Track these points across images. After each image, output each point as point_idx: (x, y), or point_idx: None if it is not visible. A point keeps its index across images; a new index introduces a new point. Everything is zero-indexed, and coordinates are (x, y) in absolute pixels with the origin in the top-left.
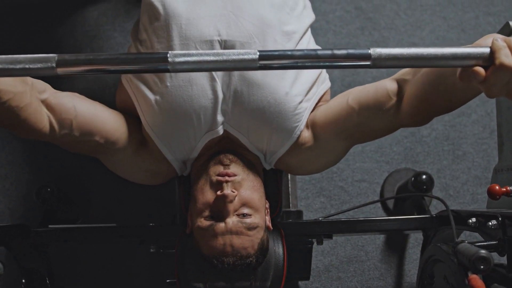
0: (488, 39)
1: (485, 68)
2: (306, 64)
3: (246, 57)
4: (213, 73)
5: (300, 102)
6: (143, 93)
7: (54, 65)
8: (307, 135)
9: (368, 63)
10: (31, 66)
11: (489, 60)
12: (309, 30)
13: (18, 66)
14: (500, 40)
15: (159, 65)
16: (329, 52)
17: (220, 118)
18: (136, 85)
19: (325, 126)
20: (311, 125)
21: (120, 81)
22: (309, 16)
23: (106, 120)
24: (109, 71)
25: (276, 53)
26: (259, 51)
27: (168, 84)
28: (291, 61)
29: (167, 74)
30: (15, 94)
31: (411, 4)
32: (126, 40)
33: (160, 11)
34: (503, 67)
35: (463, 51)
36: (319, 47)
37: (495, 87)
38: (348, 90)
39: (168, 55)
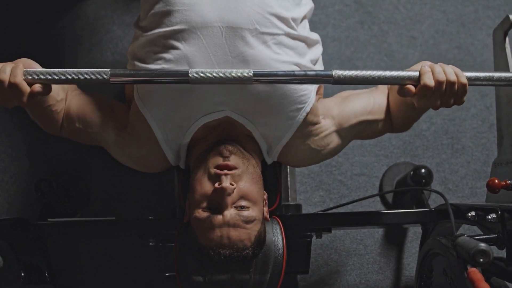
0: (418, 65)
1: (415, 86)
2: (288, 80)
3: (244, 75)
4: (213, 59)
5: (304, 84)
6: None
7: (108, 76)
8: (324, 123)
9: (331, 80)
10: (92, 77)
11: (418, 80)
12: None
13: (82, 77)
14: (426, 66)
15: (182, 78)
16: (303, 72)
17: (219, 104)
18: (137, 65)
19: (354, 115)
20: (332, 114)
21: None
22: (309, 4)
23: (85, 105)
24: (145, 81)
25: (266, 72)
26: (254, 71)
27: (167, 67)
28: (276, 78)
29: (167, 56)
30: (57, 101)
31: None
32: (125, 33)
33: None
34: (426, 86)
35: (399, 74)
36: (317, 34)
37: (421, 100)
38: (358, 90)
39: (189, 72)
